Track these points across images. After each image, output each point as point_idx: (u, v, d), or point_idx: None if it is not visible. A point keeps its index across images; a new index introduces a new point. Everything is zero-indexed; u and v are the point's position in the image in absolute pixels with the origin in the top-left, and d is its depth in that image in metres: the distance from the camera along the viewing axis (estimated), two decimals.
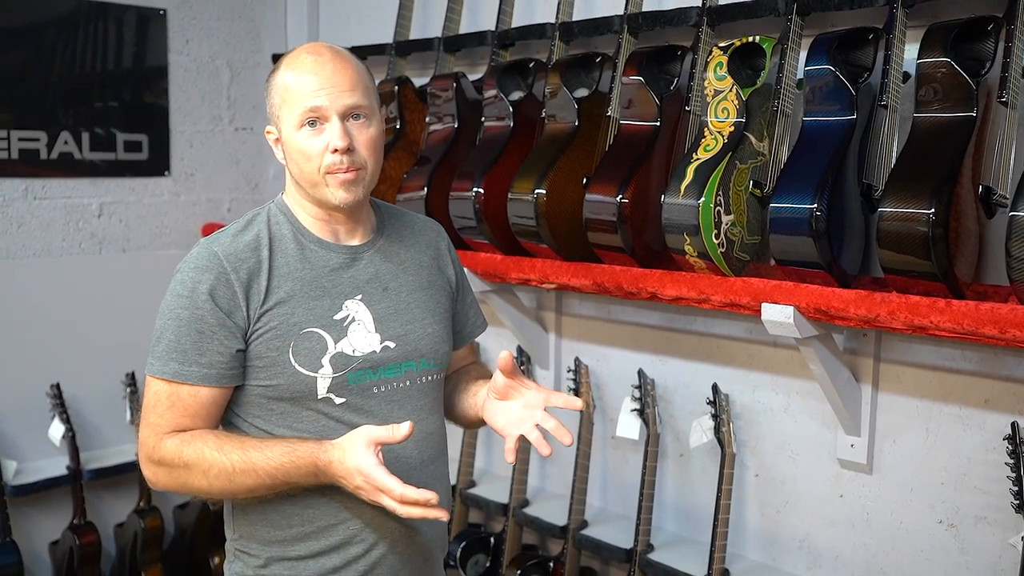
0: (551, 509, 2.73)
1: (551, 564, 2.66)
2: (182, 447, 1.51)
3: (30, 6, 3.11)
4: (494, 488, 2.89)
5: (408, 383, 1.62)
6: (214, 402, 1.54)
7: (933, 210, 1.70)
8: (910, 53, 1.91)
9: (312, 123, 1.52)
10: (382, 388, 1.59)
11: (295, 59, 1.56)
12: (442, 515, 1.45)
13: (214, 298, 1.50)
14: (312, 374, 1.53)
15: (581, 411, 2.59)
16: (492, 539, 2.80)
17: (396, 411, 1.60)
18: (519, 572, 2.64)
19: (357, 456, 1.44)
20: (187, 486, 1.54)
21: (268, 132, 1.61)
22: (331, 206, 1.56)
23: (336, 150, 1.51)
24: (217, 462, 1.49)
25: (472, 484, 2.92)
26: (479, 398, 1.69)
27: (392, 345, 1.60)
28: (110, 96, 3.29)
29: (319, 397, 1.54)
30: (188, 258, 1.56)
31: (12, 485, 2.97)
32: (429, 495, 1.42)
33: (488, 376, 1.79)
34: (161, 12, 3.37)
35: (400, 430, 1.45)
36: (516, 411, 1.59)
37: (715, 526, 2.29)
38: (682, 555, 2.43)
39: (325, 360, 1.54)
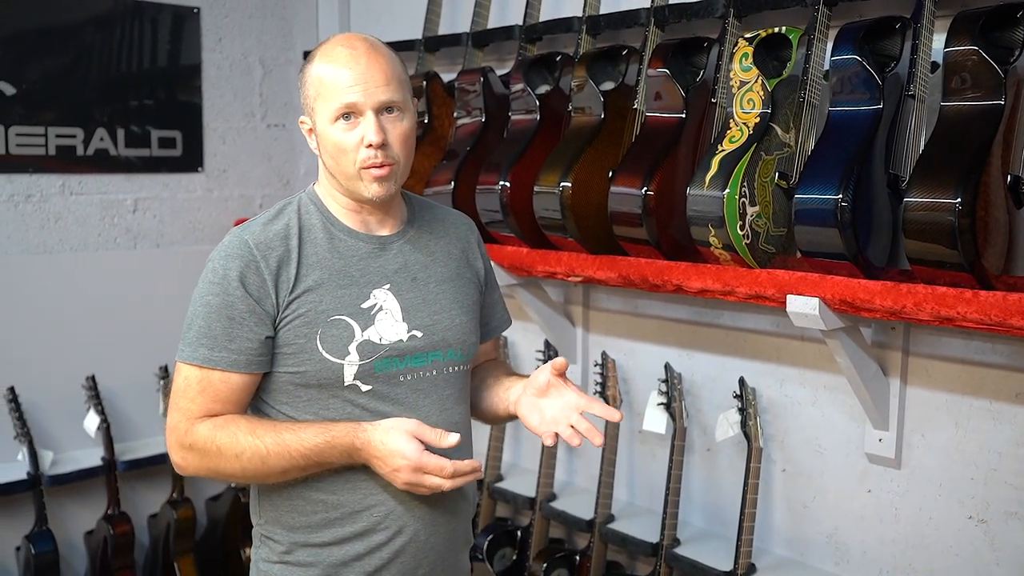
0: (578, 503, 2.73)
1: (577, 558, 2.66)
2: (215, 432, 1.53)
3: (68, 6, 3.16)
4: (521, 482, 2.89)
5: (434, 372, 1.63)
6: (243, 388, 1.57)
7: (959, 199, 1.68)
8: (938, 42, 1.89)
9: (347, 117, 1.54)
10: (408, 377, 1.60)
11: (330, 51, 1.56)
12: (479, 473, 1.55)
13: (244, 285, 1.53)
14: (339, 361, 1.55)
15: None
16: (519, 533, 2.81)
17: (422, 400, 1.61)
18: (545, 565, 2.65)
19: (401, 443, 1.48)
20: (217, 470, 1.57)
21: (302, 122, 1.63)
22: (364, 199, 1.59)
23: (371, 145, 1.53)
24: (251, 446, 1.51)
25: (499, 478, 2.93)
26: (511, 394, 1.71)
27: (419, 335, 1.61)
28: (145, 93, 3.34)
29: (346, 384, 1.56)
30: (219, 247, 1.58)
31: (48, 475, 3.03)
32: (477, 464, 1.53)
33: (515, 373, 1.81)
34: (195, 11, 3.42)
35: (448, 439, 1.51)
36: (552, 411, 1.63)
37: (742, 520, 2.28)
38: (708, 549, 2.42)
39: (352, 347, 1.56)
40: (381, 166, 1.54)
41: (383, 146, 1.53)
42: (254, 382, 1.58)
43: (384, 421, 1.52)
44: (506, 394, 1.73)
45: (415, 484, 1.50)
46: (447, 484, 1.50)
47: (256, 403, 1.62)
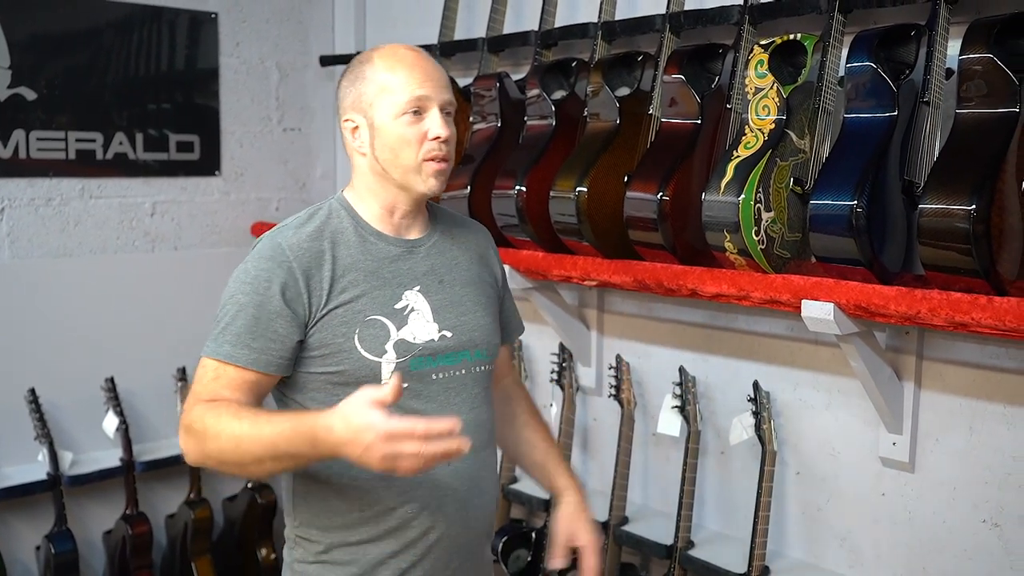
0: (592, 505, 2.68)
1: None
2: (206, 411, 1.50)
3: (87, 11, 3.20)
4: (535, 484, 2.90)
5: (464, 372, 1.68)
6: (258, 385, 1.57)
7: (974, 206, 1.70)
8: (953, 49, 1.90)
9: (416, 112, 1.60)
10: (440, 375, 1.65)
11: (392, 53, 1.63)
12: (465, 444, 1.38)
13: (276, 288, 1.56)
14: (377, 359, 1.59)
15: (621, 410, 2.62)
16: (534, 534, 2.82)
17: (453, 398, 1.66)
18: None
19: (365, 414, 1.35)
20: (207, 454, 1.50)
21: (347, 121, 1.65)
22: (417, 194, 1.64)
23: (438, 137, 1.60)
24: (229, 427, 1.46)
25: (514, 479, 2.95)
26: (555, 482, 1.92)
27: (449, 335, 1.66)
28: (163, 98, 3.38)
29: (383, 382, 1.59)
30: (254, 251, 1.62)
31: (68, 475, 3.06)
32: (455, 420, 1.37)
33: (539, 418, 1.94)
34: (212, 16, 3.45)
35: (389, 389, 1.37)
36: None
37: (755, 523, 2.29)
38: (722, 552, 2.44)
39: (389, 346, 1.60)
40: (443, 159, 1.62)
41: (447, 141, 1.62)
42: (269, 384, 1.60)
43: (340, 404, 1.38)
44: (544, 474, 1.92)
45: (391, 457, 1.34)
46: (426, 450, 1.34)
47: (291, 404, 1.64)
